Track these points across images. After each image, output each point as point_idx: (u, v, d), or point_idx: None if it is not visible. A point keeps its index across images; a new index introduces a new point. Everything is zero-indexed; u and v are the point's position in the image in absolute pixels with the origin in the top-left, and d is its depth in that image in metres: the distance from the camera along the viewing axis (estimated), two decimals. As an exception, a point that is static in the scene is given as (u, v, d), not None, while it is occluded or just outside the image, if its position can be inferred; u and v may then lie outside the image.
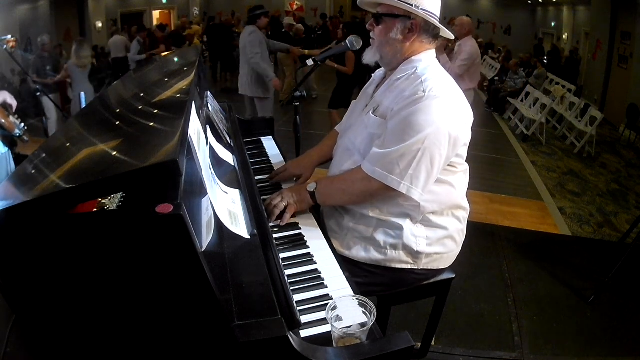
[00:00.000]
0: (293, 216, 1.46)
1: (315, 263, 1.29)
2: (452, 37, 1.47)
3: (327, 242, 1.39)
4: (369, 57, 1.46)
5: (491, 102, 8.30)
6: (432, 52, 1.41)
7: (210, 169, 1.21)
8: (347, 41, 1.79)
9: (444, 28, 1.39)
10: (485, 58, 11.27)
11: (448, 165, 1.36)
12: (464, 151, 1.40)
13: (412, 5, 1.31)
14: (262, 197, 1.51)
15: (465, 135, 1.35)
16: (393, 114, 1.31)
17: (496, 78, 8.93)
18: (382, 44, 1.40)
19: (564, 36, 11.45)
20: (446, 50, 4.06)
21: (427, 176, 1.30)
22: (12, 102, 2.28)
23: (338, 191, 1.41)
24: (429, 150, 1.27)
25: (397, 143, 1.27)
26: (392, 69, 1.44)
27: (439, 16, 1.37)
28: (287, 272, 1.22)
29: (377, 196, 1.36)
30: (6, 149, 2.34)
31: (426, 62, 1.37)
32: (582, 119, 6.34)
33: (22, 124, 2.34)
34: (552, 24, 12.39)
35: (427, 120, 1.25)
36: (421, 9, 1.32)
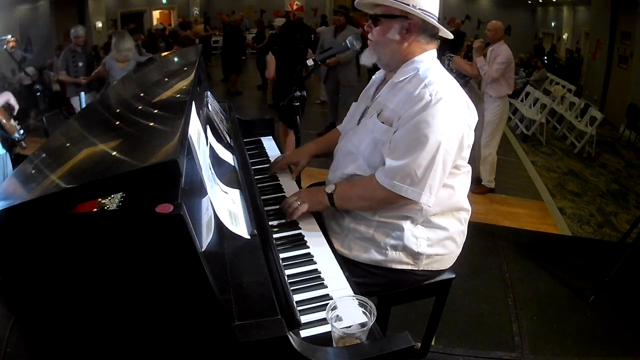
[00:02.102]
0: None
1: (315, 263, 1.29)
2: (451, 36, 1.45)
3: (327, 242, 1.39)
4: (366, 59, 1.46)
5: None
6: (432, 53, 1.40)
7: (210, 169, 1.21)
8: (347, 41, 1.79)
9: (442, 28, 1.38)
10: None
11: (452, 167, 1.36)
12: (467, 153, 1.39)
13: (409, 5, 1.30)
14: (262, 197, 1.51)
15: (469, 136, 1.35)
16: (402, 121, 1.30)
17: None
18: (380, 45, 1.39)
19: (564, 36, 11.46)
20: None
21: (440, 181, 1.30)
22: (15, 104, 2.30)
23: (358, 197, 1.40)
24: (442, 157, 1.27)
25: (411, 153, 1.26)
26: (392, 70, 1.43)
27: (437, 15, 1.36)
28: (287, 272, 1.22)
29: (396, 204, 1.35)
30: (4, 151, 2.34)
31: (427, 62, 1.36)
32: (582, 119, 6.35)
33: (22, 130, 2.36)
34: (552, 24, 12.40)
35: (438, 126, 1.24)
36: (418, 8, 1.31)
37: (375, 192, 1.34)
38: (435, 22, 1.35)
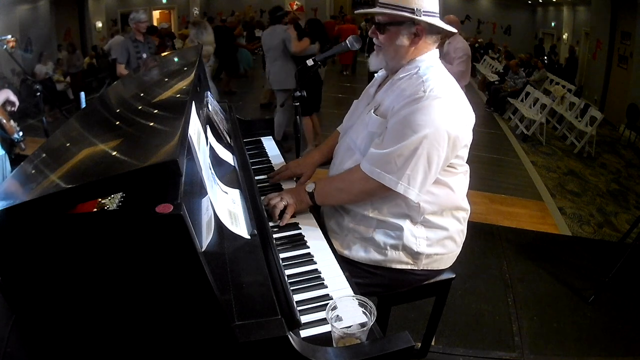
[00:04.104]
0: (293, 216, 1.46)
1: (315, 263, 1.29)
2: (455, 31, 1.48)
3: (327, 242, 1.39)
4: (375, 64, 1.46)
5: (491, 102, 8.30)
6: (435, 52, 1.41)
7: (210, 169, 1.21)
8: (346, 41, 1.79)
9: (446, 25, 1.38)
10: (485, 58, 11.29)
11: (448, 166, 1.35)
12: (464, 152, 1.39)
13: (414, 11, 1.31)
14: (262, 197, 1.51)
15: (465, 136, 1.35)
16: (393, 112, 1.31)
17: (496, 81, 8.94)
18: (389, 51, 1.40)
19: (564, 36, 11.45)
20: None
21: (425, 176, 1.29)
22: (15, 99, 2.31)
23: (336, 190, 1.41)
24: (427, 151, 1.26)
25: (395, 142, 1.27)
26: (396, 72, 1.43)
27: (438, 12, 1.37)
28: (287, 272, 1.22)
29: (375, 196, 1.36)
30: (3, 152, 2.34)
31: (429, 62, 1.37)
32: (582, 119, 6.35)
33: (21, 132, 2.37)
34: (552, 24, 12.39)
35: (426, 121, 1.25)
36: (423, 12, 1.31)
37: (353, 184, 1.35)
38: (439, 22, 1.35)
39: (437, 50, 1.42)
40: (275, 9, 4.73)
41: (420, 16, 1.31)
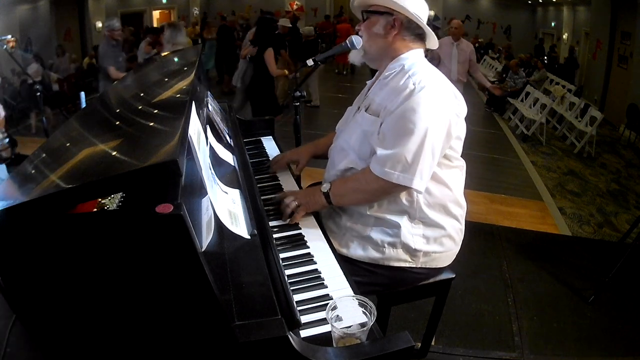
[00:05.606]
0: None
1: (315, 263, 1.29)
2: (436, 46, 1.50)
3: (327, 242, 1.39)
4: (354, 55, 1.51)
5: (491, 102, 8.30)
6: (419, 51, 1.44)
7: (210, 169, 1.21)
8: (347, 41, 1.79)
9: (429, 31, 1.42)
10: (485, 58, 11.30)
11: (443, 158, 1.37)
12: (458, 145, 1.40)
13: (396, 4, 1.36)
14: (262, 197, 1.51)
15: (457, 124, 1.36)
16: (388, 112, 1.32)
17: (496, 81, 8.94)
18: (366, 39, 1.46)
19: (564, 36, 11.46)
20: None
21: (430, 167, 1.32)
22: (1, 112, 2.32)
23: (353, 191, 1.41)
24: (431, 142, 1.29)
25: (400, 140, 1.28)
26: (379, 66, 1.48)
27: (424, 20, 1.40)
28: (287, 272, 1.22)
29: (391, 194, 1.36)
30: None
31: (412, 59, 1.40)
32: (582, 119, 6.35)
33: (7, 139, 2.37)
34: (552, 24, 12.40)
35: (424, 113, 1.27)
36: (406, 9, 1.36)
37: (369, 183, 1.35)
38: (420, 22, 1.39)
39: (422, 50, 1.45)
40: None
41: (401, 5, 1.35)
